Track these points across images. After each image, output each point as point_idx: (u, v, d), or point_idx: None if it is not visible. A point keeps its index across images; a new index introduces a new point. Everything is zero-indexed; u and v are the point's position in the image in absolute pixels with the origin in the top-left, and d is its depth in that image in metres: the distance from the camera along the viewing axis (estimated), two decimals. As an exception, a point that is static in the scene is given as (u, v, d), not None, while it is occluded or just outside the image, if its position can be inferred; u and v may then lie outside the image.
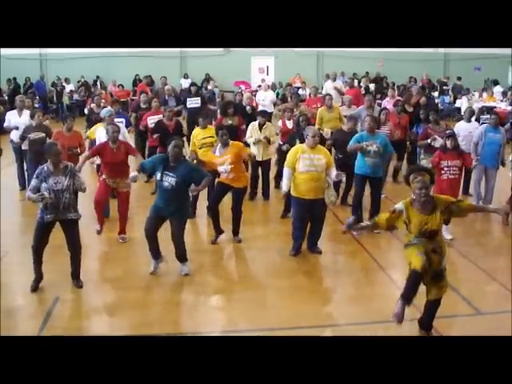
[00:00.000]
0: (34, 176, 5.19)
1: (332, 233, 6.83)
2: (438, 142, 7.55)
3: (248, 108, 9.42)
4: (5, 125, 8.65)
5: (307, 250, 6.28)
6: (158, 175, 5.40)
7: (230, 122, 8.17)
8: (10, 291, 5.29)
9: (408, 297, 4.19)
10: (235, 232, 6.64)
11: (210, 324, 4.85)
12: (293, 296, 5.28)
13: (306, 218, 6.14)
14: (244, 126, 8.55)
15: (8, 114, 8.89)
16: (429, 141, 7.83)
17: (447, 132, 6.88)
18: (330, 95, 9.71)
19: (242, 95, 10.24)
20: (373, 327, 4.65)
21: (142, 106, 10.02)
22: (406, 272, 4.20)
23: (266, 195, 8.40)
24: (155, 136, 8.29)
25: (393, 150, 7.19)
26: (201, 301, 5.24)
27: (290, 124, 8.43)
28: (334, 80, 13.83)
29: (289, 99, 12.86)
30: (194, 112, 10.40)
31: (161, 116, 8.76)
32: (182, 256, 5.64)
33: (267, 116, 8.91)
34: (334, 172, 6.05)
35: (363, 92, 15.84)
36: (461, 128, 8.14)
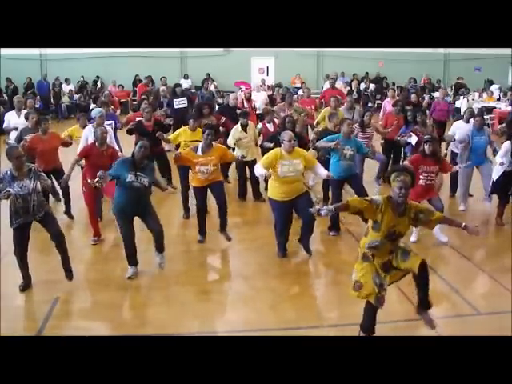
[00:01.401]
0: None
1: (326, 232, 6.84)
2: (414, 139, 7.66)
3: (239, 112, 9.15)
4: (4, 125, 8.64)
5: (299, 241, 6.23)
6: (129, 176, 5.32)
7: (206, 121, 8.16)
8: (10, 291, 5.29)
9: (367, 328, 4.15)
10: (223, 226, 6.51)
11: (202, 324, 4.83)
12: (290, 296, 5.28)
13: (289, 220, 6.09)
14: (223, 119, 8.68)
15: (7, 114, 8.87)
16: (406, 138, 7.93)
17: (425, 137, 6.65)
18: (336, 97, 9.66)
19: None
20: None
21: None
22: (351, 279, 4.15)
23: (256, 195, 8.32)
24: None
25: (367, 150, 7.16)
26: (195, 301, 5.23)
27: (270, 127, 8.45)
28: (336, 79, 13.80)
29: (277, 100, 12.82)
30: (182, 112, 10.36)
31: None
32: (162, 245, 5.62)
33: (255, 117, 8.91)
34: (322, 171, 6.04)
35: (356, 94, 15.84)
36: (458, 128, 8.12)
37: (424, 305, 4.11)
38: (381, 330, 4.40)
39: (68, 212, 7.39)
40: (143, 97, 10.27)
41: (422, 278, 4.02)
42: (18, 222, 5.09)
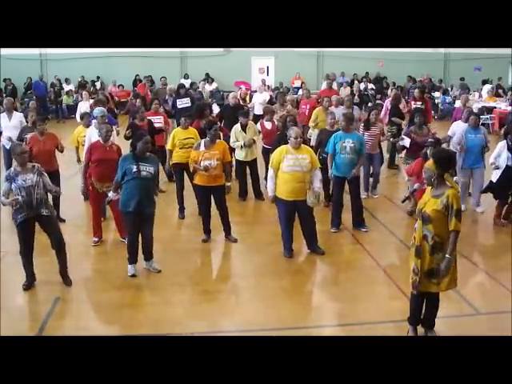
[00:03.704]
0: (3, 180, 5.21)
1: (329, 232, 6.84)
2: (407, 142, 7.65)
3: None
4: None
5: (308, 249, 6.27)
6: (134, 168, 5.39)
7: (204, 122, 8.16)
8: (10, 291, 5.29)
9: (413, 321, 4.41)
10: (227, 231, 6.61)
11: (205, 324, 4.83)
12: (290, 296, 5.28)
13: (292, 218, 6.13)
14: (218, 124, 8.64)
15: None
16: (400, 142, 7.92)
17: (428, 141, 6.76)
18: (328, 96, 9.66)
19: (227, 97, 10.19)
20: (372, 327, 4.65)
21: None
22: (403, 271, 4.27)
23: (258, 194, 8.34)
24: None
25: (364, 153, 7.08)
26: (195, 301, 5.24)
27: (269, 125, 8.45)
28: (334, 80, 13.80)
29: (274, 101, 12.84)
30: (185, 112, 10.46)
31: (161, 117, 8.83)
32: (151, 252, 5.71)
33: (254, 117, 8.86)
34: (318, 176, 6.09)
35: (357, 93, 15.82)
36: (458, 127, 8.09)
37: (422, 323, 4.44)
38: (381, 330, 4.42)
39: (57, 215, 7.33)
40: (138, 101, 10.35)
41: (426, 304, 4.38)
42: (22, 216, 5.13)
